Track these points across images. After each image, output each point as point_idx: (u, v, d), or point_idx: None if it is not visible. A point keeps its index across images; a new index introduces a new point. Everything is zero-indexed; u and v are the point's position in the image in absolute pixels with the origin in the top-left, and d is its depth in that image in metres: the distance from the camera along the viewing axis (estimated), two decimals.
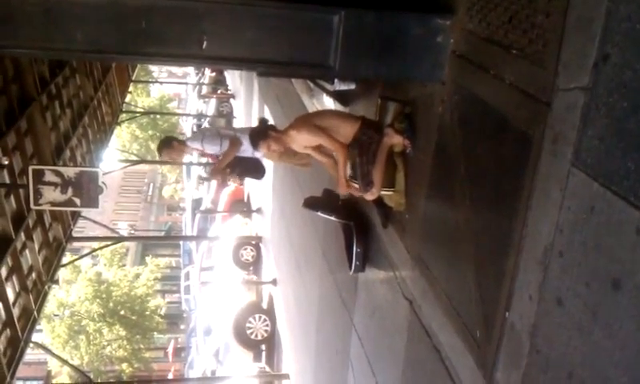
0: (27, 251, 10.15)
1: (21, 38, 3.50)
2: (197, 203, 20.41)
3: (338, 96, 6.14)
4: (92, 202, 8.08)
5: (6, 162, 9.19)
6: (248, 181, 14.40)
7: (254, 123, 9.74)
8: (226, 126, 19.04)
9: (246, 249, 14.44)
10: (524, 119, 3.09)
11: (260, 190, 14.01)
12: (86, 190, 8.01)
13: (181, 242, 30.91)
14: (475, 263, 3.57)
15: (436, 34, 3.88)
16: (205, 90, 26.48)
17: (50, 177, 7.93)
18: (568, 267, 2.74)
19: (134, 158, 24.06)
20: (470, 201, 3.65)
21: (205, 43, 3.64)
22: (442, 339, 4.07)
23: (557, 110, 2.83)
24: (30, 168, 7.89)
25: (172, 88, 47.07)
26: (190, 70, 37.87)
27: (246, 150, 6.20)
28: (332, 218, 5.81)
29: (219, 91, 23.88)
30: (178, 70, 46.02)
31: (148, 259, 33.06)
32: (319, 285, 7.80)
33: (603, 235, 2.50)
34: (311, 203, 5.91)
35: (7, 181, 9.21)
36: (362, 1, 3.76)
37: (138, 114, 25.14)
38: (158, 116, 42.34)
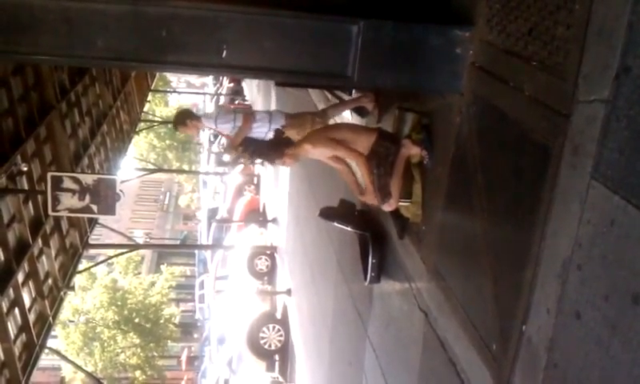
0: (44, 257, 10.24)
1: (42, 46, 3.55)
2: (212, 212, 20.46)
3: (355, 108, 6.14)
4: (109, 209, 8.13)
5: (25, 169, 9.29)
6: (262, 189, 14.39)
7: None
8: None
9: (260, 258, 14.44)
10: (543, 131, 3.07)
11: (276, 201, 14.05)
12: (104, 197, 8.07)
13: (196, 251, 30.99)
14: (492, 276, 3.55)
15: (455, 45, 3.87)
16: (223, 100, 26.62)
17: (68, 183, 8.00)
18: (587, 281, 2.71)
19: (151, 167, 24.20)
20: (487, 213, 3.62)
21: (224, 52, 3.67)
22: (457, 352, 4.04)
23: (576, 122, 2.81)
24: (49, 174, 7.96)
25: (190, 98, 47.40)
26: (208, 80, 38.14)
27: (261, 130, 6.12)
28: (348, 229, 5.80)
29: (237, 102, 23.98)
30: (196, 80, 46.37)
31: (163, 268, 33.17)
32: (334, 295, 7.78)
33: (623, 249, 2.47)
34: (327, 213, 5.90)
35: (26, 187, 9.32)
36: (381, 11, 3.76)
37: (155, 124, 25.30)
38: None
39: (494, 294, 3.52)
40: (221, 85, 29.79)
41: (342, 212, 5.84)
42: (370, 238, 5.53)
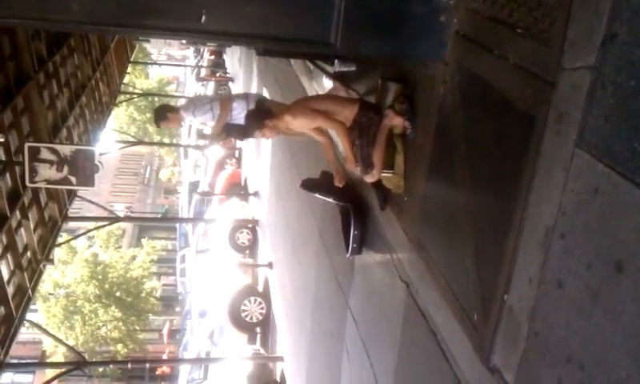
0: (22, 230, 10.10)
1: (15, 8, 3.42)
2: (194, 186, 20.34)
3: (338, 77, 6.07)
4: (88, 181, 8.03)
5: (2, 140, 9.11)
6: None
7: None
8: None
9: (242, 232, 14.39)
10: (528, 99, 3.03)
11: (257, 174, 13.96)
12: (82, 168, 7.95)
13: (177, 225, 30.84)
14: (474, 246, 3.53)
15: (439, 12, 3.81)
16: (203, 72, 26.31)
17: (45, 154, 7.87)
18: (570, 249, 2.70)
19: (132, 139, 23.91)
20: (470, 182, 3.60)
21: (204, 17, 3.57)
22: (438, 322, 4.04)
23: (562, 89, 2.78)
24: (26, 145, 7.82)
25: (170, 71, 46.82)
26: (189, 53, 37.67)
27: (240, 115, 6.04)
28: (329, 200, 5.77)
29: (218, 74, 23.72)
30: (176, 52, 45.76)
31: (144, 241, 33.00)
32: (315, 268, 7.77)
33: (607, 217, 2.45)
34: (309, 184, 5.86)
35: (3, 158, 9.14)
36: None
37: (135, 96, 24.98)
38: (157, 98, 42.23)
39: (476, 263, 3.51)
40: (202, 57, 29.43)
41: (323, 183, 5.79)
42: (351, 209, 5.50)
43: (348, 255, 5.63)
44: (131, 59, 21.38)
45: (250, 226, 14.31)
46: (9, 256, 9.55)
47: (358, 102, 4.64)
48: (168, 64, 42.12)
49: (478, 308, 3.49)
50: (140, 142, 23.56)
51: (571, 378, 2.66)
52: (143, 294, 30.53)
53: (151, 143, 34.45)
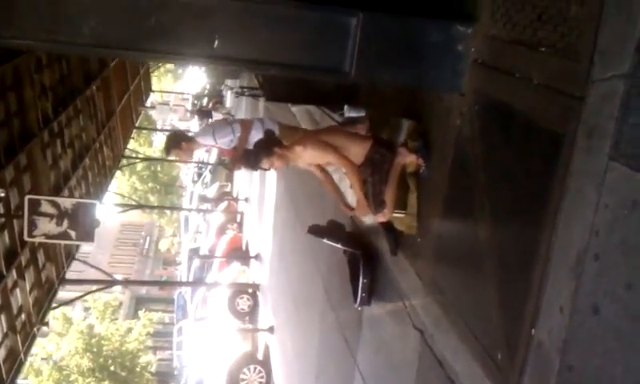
0: (18, 290, 9.81)
1: (24, 29, 3.35)
2: (194, 252, 20.06)
3: (348, 124, 5.96)
4: (88, 236, 7.83)
5: (2, 194, 8.97)
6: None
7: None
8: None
9: (242, 297, 14.06)
10: (554, 118, 2.90)
11: (259, 236, 13.76)
12: (82, 222, 7.77)
13: (174, 297, 30.35)
14: (496, 281, 3.33)
15: (457, 41, 3.73)
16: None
17: (46, 207, 7.71)
18: (605, 271, 2.51)
19: (132, 209, 23.78)
20: (490, 214, 3.43)
21: (216, 42, 3.50)
22: (457, 368, 3.78)
23: (592, 102, 2.65)
24: (26, 197, 7.68)
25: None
26: (194, 123, 37.93)
27: (256, 138, 5.83)
28: (338, 246, 5.57)
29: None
30: (181, 123, 46.26)
31: (141, 313, 32.42)
32: (320, 326, 7.47)
33: None
34: (316, 230, 5.67)
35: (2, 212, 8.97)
36: (381, 4, 3.63)
37: (139, 160, 25.04)
38: (159, 168, 42.40)
39: (499, 300, 3.29)
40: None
41: (331, 230, 5.61)
42: (360, 256, 5.30)
43: (356, 305, 5.39)
44: (136, 125, 21.48)
45: (250, 290, 14.00)
46: (2, 317, 9.22)
47: (371, 138, 4.52)
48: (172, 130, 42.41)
49: (502, 347, 3.25)
50: (140, 206, 23.43)
51: None
52: (138, 369, 29.74)
53: (152, 206, 34.30)
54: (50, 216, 7.60)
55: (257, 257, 14.00)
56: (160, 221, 45.01)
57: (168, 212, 42.53)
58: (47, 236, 7.68)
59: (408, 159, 4.39)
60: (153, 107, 25.00)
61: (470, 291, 3.67)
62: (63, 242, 9.27)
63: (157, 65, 33.74)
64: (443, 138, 4.11)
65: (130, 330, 30.16)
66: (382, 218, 4.46)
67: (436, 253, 4.17)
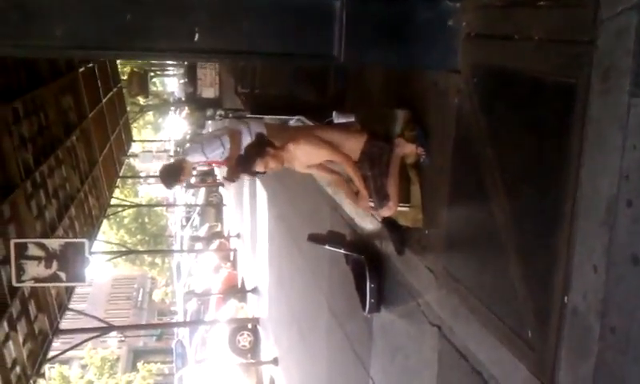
0: (11, 343, 9.47)
1: None
2: (189, 295, 19.63)
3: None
4: (79, 276, 7.55)
5: None
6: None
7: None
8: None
9: (242, 334, 13.67)
10: (562, 70, 2.73)
11: (255, 268, 13.47)
12: (72, 263, 7.50)
13: (173, 346, 29.75)
14: (518, 255, 3.11)
15: (446, 17, 3.59)
16: (193, 179, 26.22)
17: (33, 250, 7.43)
18: None
19: (123, 256, 23.39)
20: (504, 187, 3.23)
21: (197, 35, 3.31)
22: (482, 357, 3.53)
23: (604, 43, 2.48)
24: (12, 242, 7.40)
25: (160, 192, 46.91)
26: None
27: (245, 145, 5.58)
28: (341, 251, 5.33)
29: (209, 180, 23.57)
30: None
31: (139, 365, 31.74)
32: (327, 346, 7.18)
33: None
34: (317, 238, 5.44)
35: None
36: None
37: (125, 207, 24.72)
38: (147, 219, 42.03)
39: (522, 274, 3.07)
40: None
41: (332, 238, 5.39)
42: (365, 261, 5.07)
43: (366, 313, 5.13)
44: (120, 174, 21.25)
45: (250, 326, 13.63)
46: None
47: (367, 132, 4.33)
48: (156, 176, 42.14)
49: (531, 324, 3.02)
50: (131, 251, 23.04)
51: None
52: None
53: (143, 251, 33.80)
54: (39, 259, 7.32)
55: (254, 290, 13.68)
56: (152, 271, 44.45)
57: (159, 262, 42.04)
58: (37, 280, 7.38)
59: (407, 149, 4.21)
60: (136, 156, 24.81)
61: (489, 272, 3.45)
62: (54, 285, 8.92)
63: (136, 116, 33.69)
64: (442, 121, 3.94)
65: (129, 383, 29.48)
66: (387, 211, 4.24)
67: (447, 241, 3.96)
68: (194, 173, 6.01)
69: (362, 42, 3.51)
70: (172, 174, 5.55)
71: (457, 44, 3.62)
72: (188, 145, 6.77)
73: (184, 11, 3.30)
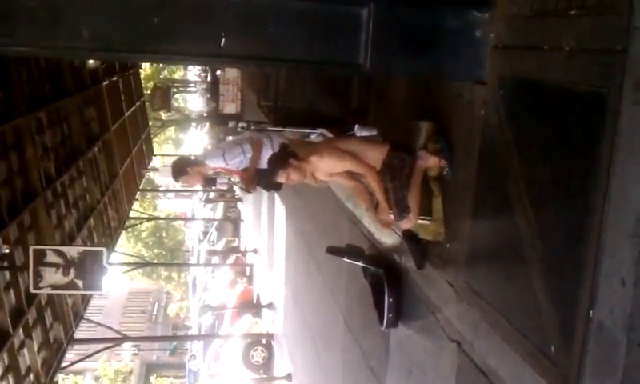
0: (25, 350, 9.52)
1: (21, 36, 3.19)
2: (204, 309, 19.65)
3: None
4: (96, 285, 7.55)
5: (7, 251, 8.75)
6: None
7: None
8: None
9: (256, 349, 13.62)
10: (593, 79, 2.69)
11: (271, 283, 13.43)
12: (90, 271, 7.50)
13: (186, 361, 29.72)
14: (542, 268, 3.05)
15: (474, 28, 3.56)
16: (212, 194, 26.32)
17: (51, 257, 7.45)
18: None
19: (139, 269, 23.50)
20: (529, 199, 3.18)
21: (223, 40, 3.32)
22: (502, 373, 3.46)
23: (637, 51, 2.44)
24: (31, 248, 7.43)
25: (178, 206, 47.14)
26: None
27: (264, 159, 5.57)
28: (359, 264, 5.28)
29: (227, 195, 23.64)
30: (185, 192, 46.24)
31: (152, 379, 31.71)
32: (342, 362, 7.11)
33: None
34: (336, 250, 5.40)
35: (7, 274, 8.73)
36: None
37: (144, 220, 24.85)
38: (164, 234, 42.18)
39: (547, 288, 3.01)
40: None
41: (351, 251, 5.35)
42: (384, 275, 5.01)
43: (383, 328, 5.07)
44: (140, 187, 21.39)
45: (264, 341, 13.57)
46: (10, 377, 8.89)
47: (389, 143, 4.30)
48: (176, 190, 42.35)
49: (555, 339, 2.95)
50: (148, 264, 23.09)
51: None
52: None
53: (160, 264, 33.90)
54: (56, 266, 7.33)
55: (269, 306, 13.63)
56: (167, 286, 44.54)
57: (175, 276, 42.11)
58: (54, 287, 7.39)
59: (430, 162, 4.17)
60: (156, 170, 24.99)
61: (512, 287, 3.38)
62: (71, 292, 8.95)
63: (157, 131, 34.00)
64: (467, 134, 3.90)
65: None
66: (407, 224, 4.20)
67: (468, 255, 3.90)
68: (214, 181, 5.95)
69: (388, 50, 3.50)
70: (181, 169, 5.59)
71: (484, 55, 3.60)
72: (209, 148, 6.80)
73: (211, 16, 3.31)
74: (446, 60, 3.60)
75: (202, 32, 3.33)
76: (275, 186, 5.66)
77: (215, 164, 5.58)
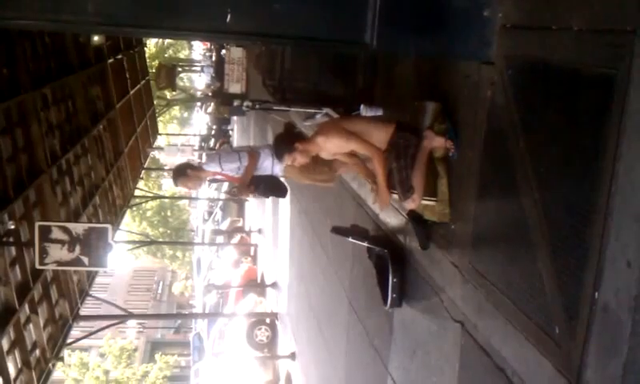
0: (31, 325, 9.60)
1: (25, 9, 3.17)
2: (208, 288, 19.74)
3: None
4: (101, 261, 7.59)
5: (13, 227, 8.80)
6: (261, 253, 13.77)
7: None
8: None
9: (260, 328, 13.70)
10: (601, 61, 2.67)
11: (275, 262, 13.47)
12: (95, 247, 7.54)
13: (190, 339, 29.92)
14: (548, 249, 3.04)
15: (482, 7, 3.52)
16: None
17: (57, 234, 7.49)
18: None
19: (144, 247, 23.57)
20: (536, 180, 3.16)
21: (229, 16, 3.29)
22: (506, 354, 3.47)
23: None
24: (37, 224, 7.47)
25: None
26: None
27: (265, 166, 5.76)
28: (364, 244, 5.28)
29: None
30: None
31: (157, 356, 31.94)
32: (346, 341, 7.14)
33: None
34: (340, 230, 5.40)
35: (12, 249, 8.78)
36: None
37: (149, 198, 24.89)
38: (169, 213, 42.31)
39: (552, 269, 3.01)
40: None
41: (355, 231, 5.35)
42: (388, 255, 5.02)
43: (387, 308, 5.08)
44: (144, 166, 21.40)
45: (268, 320, 13.64)
46: (16, 352, 8.99)
47: (394, 123, 4.28)
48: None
49: (559, 320, 2.95)
50: (153, 242, 23.17)
51: None
52: None
53: (164, 242, 34.08)
54: (62, 242, 7.37)
55: (273, 285, 13.69)
56: (172, 265, 44.76)
57: (180, 255, 42.29)
58: (59, 263, 7.44)
59: (435, 142, 4.15)
60: (161, 149, 24.99)
61: (517, 268, 3.38)
62: (76, 268, 9.01)
63: (162, 110, 33.94)
64: (474, 114, 3.87)
65: (146, 374, 29.69)
66: (411, 204, 4.19)
67: (473, 236, 3.89)
68: (205, 181, 6.13)
69: (395, 28, 3.47)
70: (180, 172, 5.80)
71: (492, 35, 3.56)
72: (208, 155, 7.11)
73: None
74: (454, 39, 3.56)
75: (208, 7, 3.30)
76: (275, 193, 5.95)
77: (212, 168, 5.79)
